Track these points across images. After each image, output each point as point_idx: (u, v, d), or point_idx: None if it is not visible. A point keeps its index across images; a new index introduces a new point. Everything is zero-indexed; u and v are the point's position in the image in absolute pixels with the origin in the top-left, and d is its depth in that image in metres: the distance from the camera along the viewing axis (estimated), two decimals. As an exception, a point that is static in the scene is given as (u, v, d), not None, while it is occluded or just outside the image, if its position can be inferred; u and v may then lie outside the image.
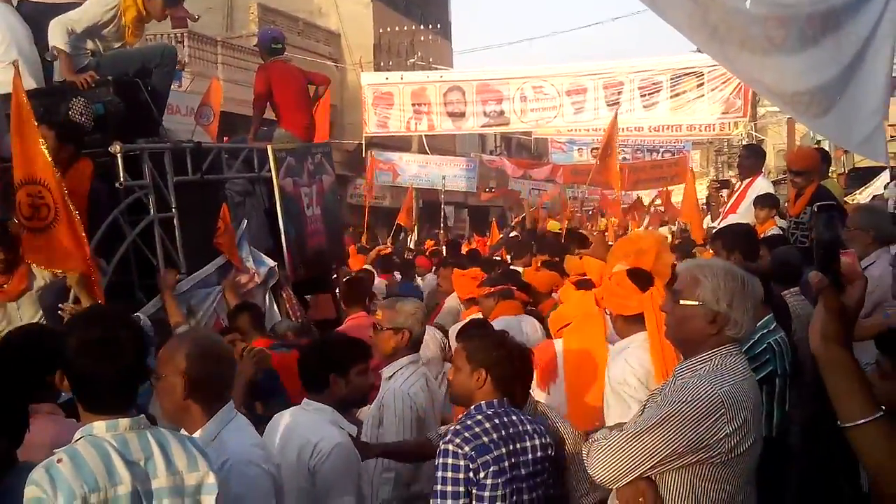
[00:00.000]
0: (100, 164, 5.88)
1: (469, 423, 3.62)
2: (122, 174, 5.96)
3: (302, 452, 3.82)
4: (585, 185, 24.70)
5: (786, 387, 4.61)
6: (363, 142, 24.79)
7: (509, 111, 22.41)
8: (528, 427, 3.71)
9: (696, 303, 3.07)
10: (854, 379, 2.19)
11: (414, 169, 26.92)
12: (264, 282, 6.75)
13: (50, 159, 5.12)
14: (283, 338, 5.96)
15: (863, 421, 2.16)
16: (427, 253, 16.67)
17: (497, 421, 3.64)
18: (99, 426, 2.71)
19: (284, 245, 7.25)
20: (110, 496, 2.63)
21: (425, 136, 25.97)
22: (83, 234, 5.22)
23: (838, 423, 2.23)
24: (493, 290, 6.69)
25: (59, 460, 2.63)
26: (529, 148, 37.50)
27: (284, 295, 6.95)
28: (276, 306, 6.82)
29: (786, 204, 9.11)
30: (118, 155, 5.92)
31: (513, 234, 20.91)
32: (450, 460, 3.49)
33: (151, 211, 6.12)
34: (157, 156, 6.20)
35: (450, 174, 27.31)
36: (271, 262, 6.83)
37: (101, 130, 6.01)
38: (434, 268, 12.18)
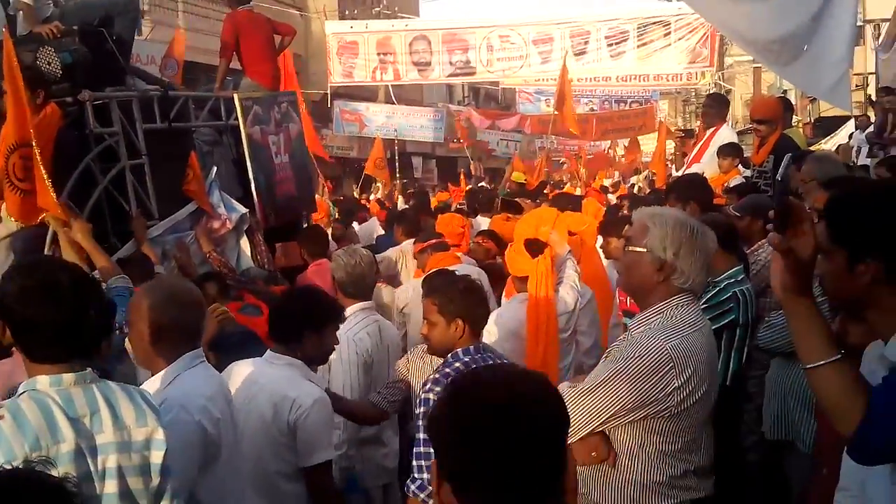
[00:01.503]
0: (69, 114, 5.92)
1: (448, 371, 3.70)
2: (91, 122, 6.01)
3: (279, 408, 3.83)
4: (549, 134, 24.89)
5: (746, 336, 4.72)
6: (328, 92, 24.72)
7: (476, 61, 22.61)
8: None
9: (643, 250, 3.13)
10: (814, 324, 2.29)
11: (381, 119, 26.95)
12: (236, 228, 6.85)
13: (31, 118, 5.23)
14: (254, 284, 6.08)
15: (821, 363, 2.26)
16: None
17: (475, 367, 3.73)
18: (42, 381, 2.67)
19: (254, 193, 7.29)
20: (52, 454, 2.59)
21: (392, 86, 25.96)
22: (48, 180, 5.33)
23: (800, 365, 2.35)
24: (425, 245, 6.87)
25: (1, 417, 2.59)
26: (497, 98, 37.50)
27: (255, 241, 7.06)
28: (248, 252, 6.94)
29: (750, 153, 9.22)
30: (87, 103, 5.97)
31: (480, 184, 21.09)
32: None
33: (122, 158, 6.18)
34: (125, 104, 6.24)
35: (417, 124, 27.40)
36: (243, 209, 6.92)
37: (69, 80, 5.99)
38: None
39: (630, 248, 3.19)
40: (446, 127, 28.24)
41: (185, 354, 3.31)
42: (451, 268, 5.86)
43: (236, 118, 7.22)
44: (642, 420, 3.02)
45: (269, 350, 4.08)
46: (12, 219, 5.56)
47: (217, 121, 7.27)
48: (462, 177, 23.66)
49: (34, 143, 5.26)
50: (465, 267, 6.39)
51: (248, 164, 7.26)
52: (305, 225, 8.48)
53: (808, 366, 2.28)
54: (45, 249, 5.61)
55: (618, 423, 3.03)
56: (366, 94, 28.18)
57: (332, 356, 4.39)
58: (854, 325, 2.96)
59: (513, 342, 4.65)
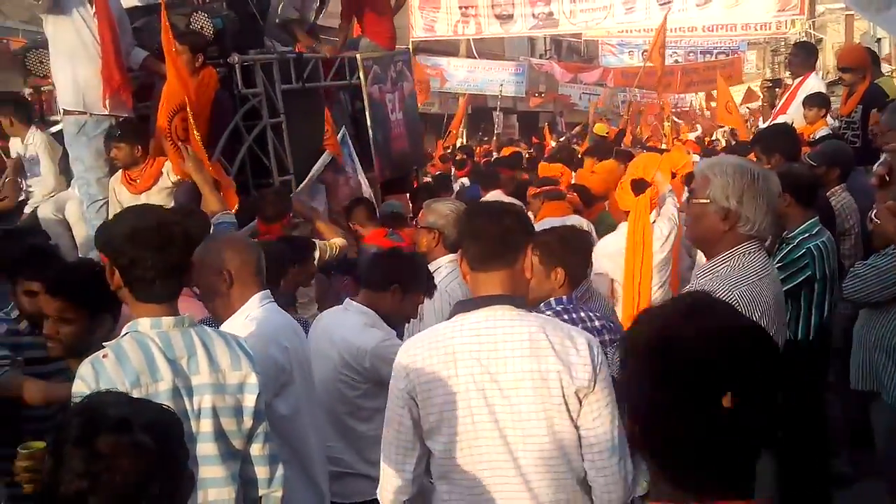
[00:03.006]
0: (219, 75, 6.80)
1: None
2: (239, 83, 6.90)
3: (346, 353, 4.12)
4: (635, 87, 24.94)
5: (825, 291, 4.78)
6: (410, 46, 25.23)
7: (558, 12, 22.44)
8: (597, 323, 3.86)
9: (707, 201, 3.24)
10: None
11: (462, 74, 27.38)
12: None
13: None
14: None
15: None
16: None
17: (566, 317, 3.76)
18: (144, 323, 2.89)
19: (373, 149, 8.12)
20: (151, 392, 2.79)
21: (473, 39, 26.15)
22: (199, 141, 6.17)
23: None
24: (540, 190, 7.47)
25: (105, 356, 2.81)
26: (580, 51, 37.65)
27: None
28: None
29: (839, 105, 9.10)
30: (236, 65, 6.85)
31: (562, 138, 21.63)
32: None
33: (264, 117, 7.06)
34: (266, 65, 7.11)
35: (498, 79, 27.81)
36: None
37: (218, 43, 6.84)
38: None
39: (694, 201, 3.34)
40: (528, 81, 28.62)
41: (254, 296, 3.58)
42: (561, 218, 6.52)
43: (358, 77, 8.04)
44: None
45: (347, 297, 4.42)
46: (173, 174, 6.46)
47: (341, 80, 8.09)
48: (546, 131, 24.16)
49: (188, 108, 6.12)
50: (575, 218, 6.76)
51: (368, 121, 8.09)
52: (416, 179, 9.31)
53: None
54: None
55: None
56: (446, 47, 28.72)
57: (425, 306, 4.63)
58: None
59: (617, 261, 5.68)
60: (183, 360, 2.91)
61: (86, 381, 2.75)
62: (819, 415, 4.80)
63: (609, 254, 5.74)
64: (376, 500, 3.79)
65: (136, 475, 1.81)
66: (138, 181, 6.56)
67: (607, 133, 16.83)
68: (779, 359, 1.61)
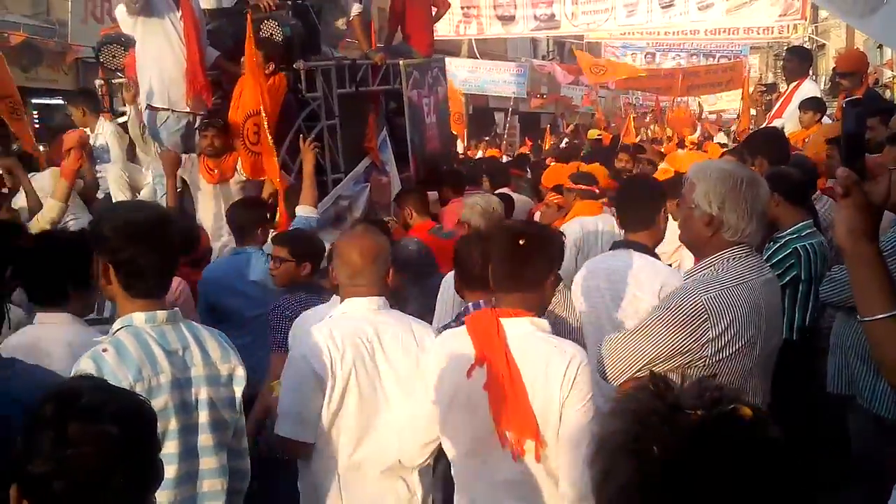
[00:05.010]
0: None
1: None
2: (304, 88, 7.97)
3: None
4: (638, 90, 25.62)
5: (810, 292, 4.93)
6: (412, 46, 25.99)
7: (560, 14, 23.43)
8: None
9: (692, 206, 3.33)
10: (877, 274, 2.29)
11: (463, 74, 28.07)
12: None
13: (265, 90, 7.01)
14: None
15: (881, 316, 2.28)
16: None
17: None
18: (138, 317, 2.97)
19: (410, 150, 9.17)
20: (153, 385, 2.90)
21: (475, 40, 27.02)
22: (275, 153, 7.00)
23: (857, 316, 2.38)
24: (579, 187, 8.39)
25: (105, 350, 2.88)
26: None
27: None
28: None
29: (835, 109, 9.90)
30: (301, 71, 7.92)
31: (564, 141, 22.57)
32: None
33: (322, 119, 8.05)
34: (325, 70, 8.12)
35: (500, 79, 28.53)
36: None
37: (286, 50, 7.70)
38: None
39: (682, 206, 3.45)
40: (529, 82, 29.53)
41: (347, 300, 3.71)
42: (591, 217, 6.85)
43: (400, 83, 9.12)
44: (680, 368, 3.23)
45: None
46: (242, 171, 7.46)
47: (386, 85, 9.09)
48: (548, 133, 25.04)
49: (263, 114, 6.95)
50: (602, 217, 6.86)
51: (407, 124, 9.16)
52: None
53: (867, 318, 2.32)
54: (262, 193, 7.41)
55: (658, 370, 3.12)
56: (449, 48, 29.58)
57: (438, 296, 4.85)
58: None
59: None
60: (179, 352, 3.03)
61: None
62: (803, 417, 4.85)
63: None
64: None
65: (100, 464, 1.88)
66: (216, 171, 7.44)
67: (600, 136, 17.61)
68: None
